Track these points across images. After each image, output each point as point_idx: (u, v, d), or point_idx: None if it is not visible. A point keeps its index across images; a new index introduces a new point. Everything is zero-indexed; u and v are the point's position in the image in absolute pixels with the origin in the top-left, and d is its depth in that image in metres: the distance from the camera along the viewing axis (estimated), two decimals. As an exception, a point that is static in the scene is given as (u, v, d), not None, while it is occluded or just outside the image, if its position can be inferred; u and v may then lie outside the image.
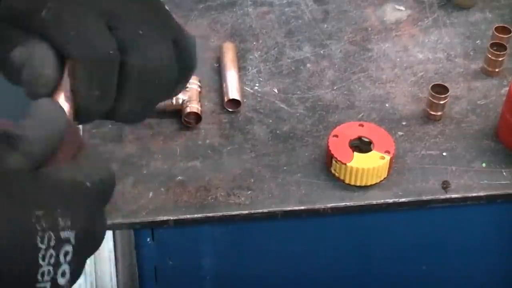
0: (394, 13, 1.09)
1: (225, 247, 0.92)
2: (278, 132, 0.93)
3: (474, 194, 0.87)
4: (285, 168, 0.89)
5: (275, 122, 0.94)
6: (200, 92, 0.95)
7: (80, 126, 0.83)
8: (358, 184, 0.86)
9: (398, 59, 1.03)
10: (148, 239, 0.89)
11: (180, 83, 0.64)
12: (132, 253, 0.95)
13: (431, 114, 0.94)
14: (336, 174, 0.87)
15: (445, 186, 0.88)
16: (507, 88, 0.94)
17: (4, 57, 0.57)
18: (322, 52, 1.03)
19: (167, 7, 0.65)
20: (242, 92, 0.96)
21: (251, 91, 0.98)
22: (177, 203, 0.85)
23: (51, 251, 0.46)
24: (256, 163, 0.89)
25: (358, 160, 0.85)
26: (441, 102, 0.93)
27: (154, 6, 0.62)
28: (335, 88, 0.99)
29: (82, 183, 0.50)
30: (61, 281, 0.47)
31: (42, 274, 0.46)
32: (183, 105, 0.92)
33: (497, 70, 0.99)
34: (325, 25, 1.07)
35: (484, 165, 0.90)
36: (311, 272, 0.97)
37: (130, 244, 0.95)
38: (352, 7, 1.10)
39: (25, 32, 0.57)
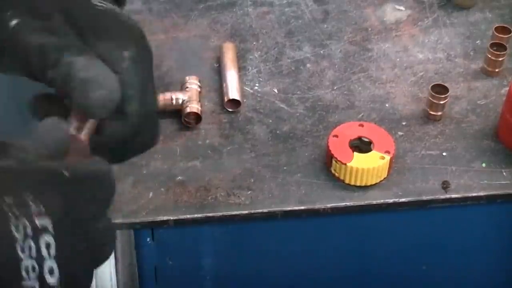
0: (394, 13, 1.09)
1: (225, 247, 0.92)
2: (278, 132, 0.93)
3: (474, 194, 0.87)
4: (285, 168, 0.89)
5: (275, 122, 0.94)
6: (200, 92, 0.95)
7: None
8: (358, 184, 0.86)
9: (398, 59, 1.03)
10: (148, 239, 0.89)
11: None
12: (132, 253, 0.95)
13: (431, 114, 0.94)
14: (336, 174, 0.87)
15: (445, 186, 0.88)
16: (507, 88, 0.94)
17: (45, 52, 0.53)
18: (322, 52, 1.03)
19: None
20: (242, 92, 0.96)
21: (251, 91, 0.98)
22: (177, 203, 0.85)
23: (30, 241, 0.44)
24: (256, 163, 0.89)
25: (358, 160, 0.85)
26: (441, 102, 0.93)
27: None
28: (335, 88, 0.99)
29: (57, 170, 0.47)
30: (51, 280, 0.45)
31: (27, 270, 0.44)
32: (183, 105, 0.92)
33: (497, 70, 0.99)
34: (325, 25, 1.07)
35: (484, 165, 0.90)
36: (311, 272, 0.97)
37: (130, 244, 0.95)
38: (352, 7, 1.10)
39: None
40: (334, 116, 0.95)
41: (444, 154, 0.91)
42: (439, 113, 0.94)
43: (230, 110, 0.95)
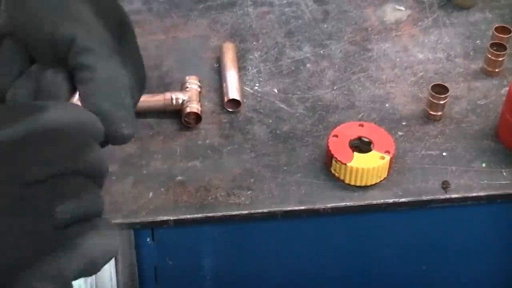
0: (394, 13, 1.09)
1: (225, 247, 0.92)
2: (278, 132, 0.93)
3: (474, 194, 0.87)
4: (285, 168, 0.89)
5: (275, 122, 0.94)
6: (200, 92, 0.95)
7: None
8: (358, 184, 0.86)
9: (398, 59, 1.03)
10: (148, 239, 0.89)
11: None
12: (132, 253, 0.95)
13: (431, 114, 0.94)
14: (336, 174, 0.87)
15: (445, 186, 0.88)
16: (507, 88, 0.94)
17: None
18: (322, 52, 1.03)
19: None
20: (242, 92, 0.96)
21: (251, 91, 0.98)
22: (177, 203, 0.85)
23: None
24: (256, 163, 0.89)
25: (358, 160, 0.85)
26: (441, 102, 0.93)
27: None
28: (335, 88, 0.99)
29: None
30: None
31: None
32: (183, 105, 0.92)
33: (497, 70, 0.99)
34: (325, 25, 1.07)
35: (484, 165, 0.90)
36: (311, 272, 0.97)
37: (130, 244, 0.95)
38: (352, 7, 1.10)
39: None
40: (334, 116, 0.95)
41: (444, 154, 0.91)
42: (439, 113, 0.94)
43: (230, 110, 0.95)
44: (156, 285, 0.94)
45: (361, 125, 0.89)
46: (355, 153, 0.86)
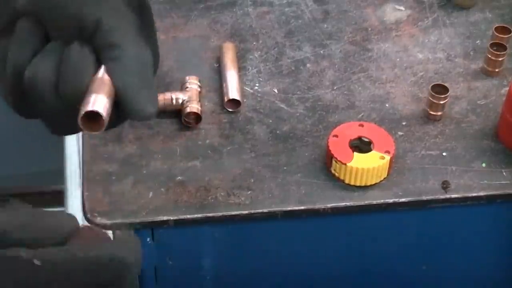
0: (394, 13, 1.09)
1: (225, 247, 0.92)
2: (278, 132, 0.93)
3: (474, 194, 0.87)
4: (285, 168, 0.89)
5: (275, 122, 0.94)
6: (200, 92, 0.95)
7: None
8: (358, 184, 0.86)
9: (398, 59, 1.03)
10: (148, 239, 0.88)
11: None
12: (132, 253, 0.95)
13: (431, 114, 0.94)
14: (336, 174, 0.87)
15: (445, 186, 0.88)
16: (507, 88, 0.94)
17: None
18: (322, 52, 1.03)
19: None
20: (242, 92, 0.96)
21: (251, 91, 0.98)
22: (177, 203, 0.85)
23: None
24: (256, 163, 0.89)
25: (358, 160, 0.85)
26: (441, 102, 0.93)
27: None
28: (335, 88, 0.99)
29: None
30: None
31: None
32: (183, 105, 0.92)
33: (497, 70, 0.99)
34: (325, 25, 1.07)
35: (484, 165, 0.90)
36: (311, 272, 0.97)
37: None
38: (352, 7, 1.10)
39: None
40: (334, 116, 0.95)
41: (444, 154, 0.91)
42: (439, 113, 0.94)
43: (230, 110, 0.95)
44: (156, 285, 0.94)
45: (361, 125, 0.89)
46: (355, 153, 0.86)
